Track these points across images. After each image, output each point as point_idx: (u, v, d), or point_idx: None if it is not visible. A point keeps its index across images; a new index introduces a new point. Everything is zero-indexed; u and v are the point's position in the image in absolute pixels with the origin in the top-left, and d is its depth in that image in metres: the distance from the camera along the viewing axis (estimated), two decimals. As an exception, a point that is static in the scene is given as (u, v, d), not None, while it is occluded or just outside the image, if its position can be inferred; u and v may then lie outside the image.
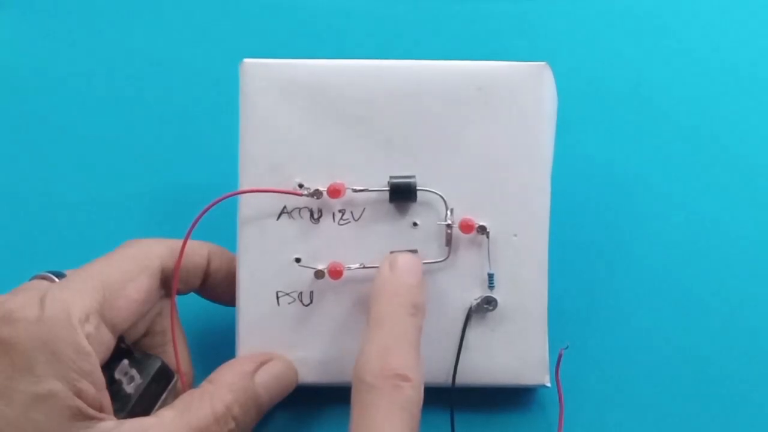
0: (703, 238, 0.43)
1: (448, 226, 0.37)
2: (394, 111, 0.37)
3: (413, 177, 0.37)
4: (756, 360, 0.41)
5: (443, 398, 0.37)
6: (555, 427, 0.39)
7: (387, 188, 0.37)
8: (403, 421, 0.30)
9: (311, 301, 0.37)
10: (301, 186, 0.37)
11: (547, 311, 0.37)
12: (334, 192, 0.36)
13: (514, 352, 0.37)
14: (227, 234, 0.37)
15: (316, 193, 0.37)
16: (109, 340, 0.32)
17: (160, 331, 0.36)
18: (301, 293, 0.37)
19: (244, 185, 0.37)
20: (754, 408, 0.40)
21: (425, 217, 0.37)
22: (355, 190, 0.37)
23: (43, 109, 0.46)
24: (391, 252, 0.36)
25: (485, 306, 0.37)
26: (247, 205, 0.37)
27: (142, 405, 0.34)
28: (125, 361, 0.33)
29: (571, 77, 0.39)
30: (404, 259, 0.35)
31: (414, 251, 0.37)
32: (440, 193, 0.37)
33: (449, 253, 0.37)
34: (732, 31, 0.46)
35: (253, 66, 0.37)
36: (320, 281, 0.37)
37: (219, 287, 0.38)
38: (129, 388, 0.33)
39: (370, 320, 0.33)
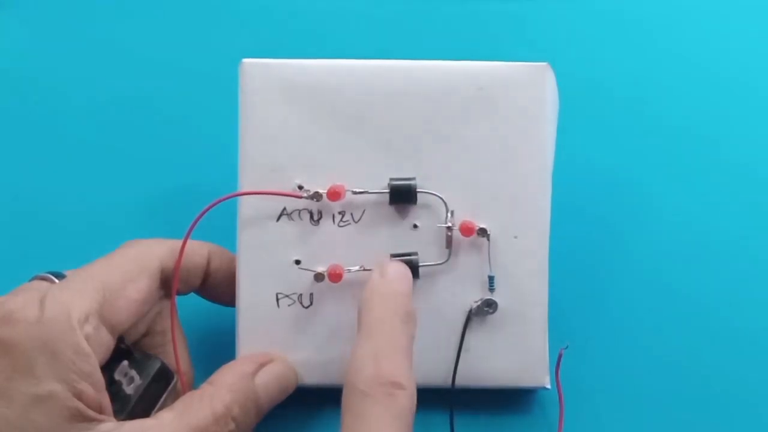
0: (703, 239, 0.42)
1: (449, 228, 0.36)
2: (394, 111, 0.37)
3: (413, 179, 0.37)
4: (756, 360, 0.41)
5: (443, 400, 0.37)
6: (555, 429, 0.39)
7: (387, 190, 0.37)
8: (396, 430, 0.29)
9: (311, 303, 0.37)
10: (300, 188, 0.37)
11: (548, 313, 0.37)
12: (334, 194, 0.36)
13: (514, 353, 0.37)
14: (227, 234, 0.37)
15: (316, 196, 0.36)
16: (108, 341, 0.32)
17: (160, 332, 0.36)
18: (300, 295, 0.37)
19: (243, 186, 0.37)
20: (754, 408, 0.40)
21: (425, 219, 0.37)
22: (355, 192, 0.37)
23: (43, 109, 0.46)
24: (391, 255, 0.36)
25: (485, 309, 0.37)
26: (246, 207, 0.37)
27: (142, 406, 0.34)
28: (125, 362, 0.33)
29: (571, 78, 0.38)
30: (394, 268, 0.35)
31: (414, 253, 0.36)
32: (440, 195, 0.37)
33: (449, 255, 0.37)
34: (733, 34, 0.46)
35: (252, 66, 0.37)
36: (320, 283, 0.37)
37: (219, 287, 0.38)
38: (129, 389, 0.33)
39: (361, 327, 0.32)
